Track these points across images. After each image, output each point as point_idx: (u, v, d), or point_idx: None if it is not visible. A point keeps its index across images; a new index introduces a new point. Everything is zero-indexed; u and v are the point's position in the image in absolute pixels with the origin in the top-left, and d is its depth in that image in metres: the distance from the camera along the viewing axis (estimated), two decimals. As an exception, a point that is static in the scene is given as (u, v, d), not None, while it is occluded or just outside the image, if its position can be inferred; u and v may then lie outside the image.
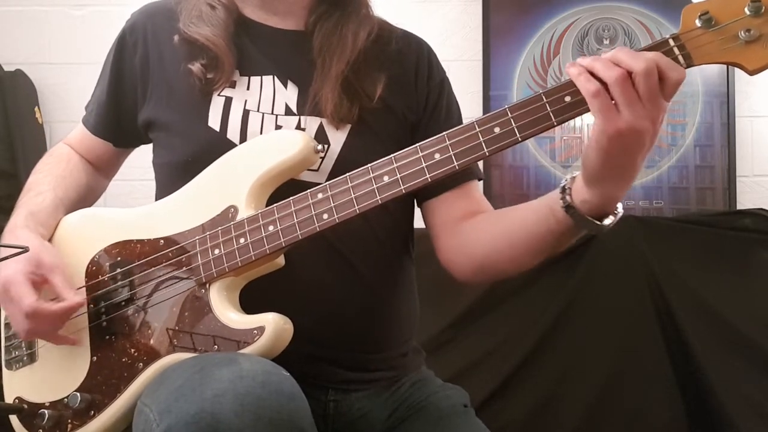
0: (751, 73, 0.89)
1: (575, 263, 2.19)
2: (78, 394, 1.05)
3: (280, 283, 1.05)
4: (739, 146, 2.38)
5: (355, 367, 1.15)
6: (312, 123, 1.14)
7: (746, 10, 0.88)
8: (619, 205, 0.97)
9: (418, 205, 1.24)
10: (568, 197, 0.97)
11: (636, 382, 2.12)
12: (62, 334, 1.08)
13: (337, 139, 1.14)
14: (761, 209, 2.23)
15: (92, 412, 1.04)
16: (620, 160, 0.90)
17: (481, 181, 1.27)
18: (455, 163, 0.96)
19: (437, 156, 0.96)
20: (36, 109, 2.38)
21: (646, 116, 0.87)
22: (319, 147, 1.06)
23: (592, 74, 0.88)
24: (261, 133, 1.13)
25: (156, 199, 1.21)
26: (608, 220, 0.97)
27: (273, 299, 1.01)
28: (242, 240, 1.01)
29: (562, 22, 2.43)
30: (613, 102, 0.88)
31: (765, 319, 2.12)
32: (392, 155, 0.99)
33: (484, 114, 2.55)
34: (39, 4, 2.45)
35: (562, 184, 0.99)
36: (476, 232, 1.15)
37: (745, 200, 2.38)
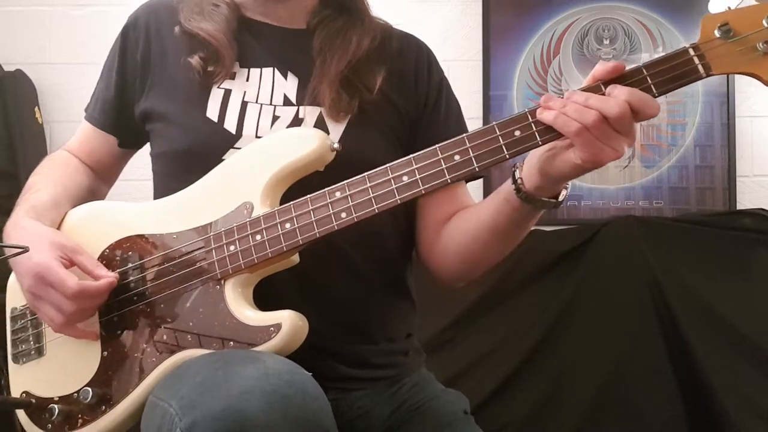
0: None
1: (575, 263, 2.20)
2: (89, 389, 1.04)
3: (277, 275, 1.05)
4: (739, 146, 2.38)
5: (355, 362, 1.15)
6: (311, 112, 1.15)
7: (764, 22, 0.90)
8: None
9: None
10: (522, 187, 1.01)
11: (636, 381, 2.12)
12: (81, 328, 1.07)
13: (337, 129, 1.15)
14: (761, 209, 2.23)
15: (104, 407, 1.04)
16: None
17: (482, 180, 1.28)
18: (475, 165, 0.96)
19: (457, 157, 0.97)
20: (36, 109, 2.38)
21: (625, 143, 0.92)
22: (336, 145, 1.05)
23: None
24: (258, 120, 1.14)
25: (154, 190, 1.21)
26: (562, 195, 1.02)
27: (270, 291, 1.02)
28: (258, 237, 1.01)
29: (562, 22, 2.43)
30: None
31: (765, 319, 2.13)
32: (411, 156, 0.99)
33: (484, 114, 2.55)
34: (39, 4, 2.45)
35: (513, 174, 1.03)
36: (449, 233, 1.18)
37: (745, 200, 2.39)
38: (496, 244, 1.12)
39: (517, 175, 1.02)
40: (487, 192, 2.38)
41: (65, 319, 1.04)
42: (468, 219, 1.16)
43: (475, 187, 1.29)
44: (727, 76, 2.36)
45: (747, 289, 2.16)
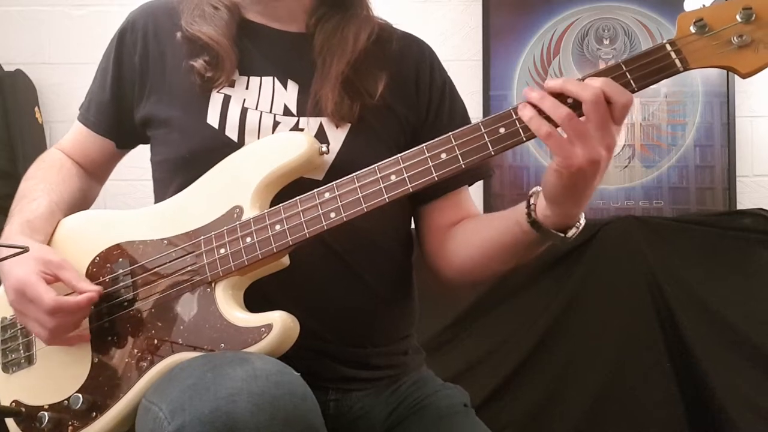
0: (744, 76, 0.93)
1: (575, 263, 2.19)
2: (80, 395, 1.04)
3: (274, 279, 1.05)
4: (739, 146, 2.38)
5: (355, 363, 1.16)
6: (312, 124, 1.15)
7: (738, 17, 0.92)
8: (582, 217, 1.02)
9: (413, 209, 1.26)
10: (533, 213, 1.01)
11: (636, 381, 2.12)
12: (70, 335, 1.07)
13: (337, 137, 1.14)
14: (761, 209, 2.23)
15: (94, 413, 1.04)
16: (578, 187, 0.95)
17: (482, 181, 1.28)
18: (461, 162, 0.97)
19: (443, 156, 0.98)
20: (36, 109, 2.38)
21: (600, 145, 0.92)
22: (324, 149, 1.06)
23: (543, 112, 0.93)
24: (259, 128, 1.14)
25: (155, 197, 1.21)
26: (571, 232, 1.01)
27: (267, 294, 1.03)
28: (249, 239, 1.01)
29: (562, 22, 2.43)
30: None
31: (765, 319, 2.12)
32: (398, 155, 1.00)
33: (484, 114, 2.56)
34: (39, 4, 2.45)
35: (528, 199, 1.03)
36: (456, 241, 1.19)
37: (745, 200, 2.39)
38: (503, 260, 1.13)
39: (532, 201, 1.02)
40: (487, 193, 2.39)
41: (48, 334, 1.05)
42: (478, 231, 1.16)
43: (476, 188, 1.29)
44: (727, 76, 2.36)
45: (747, 289, 2.16)
